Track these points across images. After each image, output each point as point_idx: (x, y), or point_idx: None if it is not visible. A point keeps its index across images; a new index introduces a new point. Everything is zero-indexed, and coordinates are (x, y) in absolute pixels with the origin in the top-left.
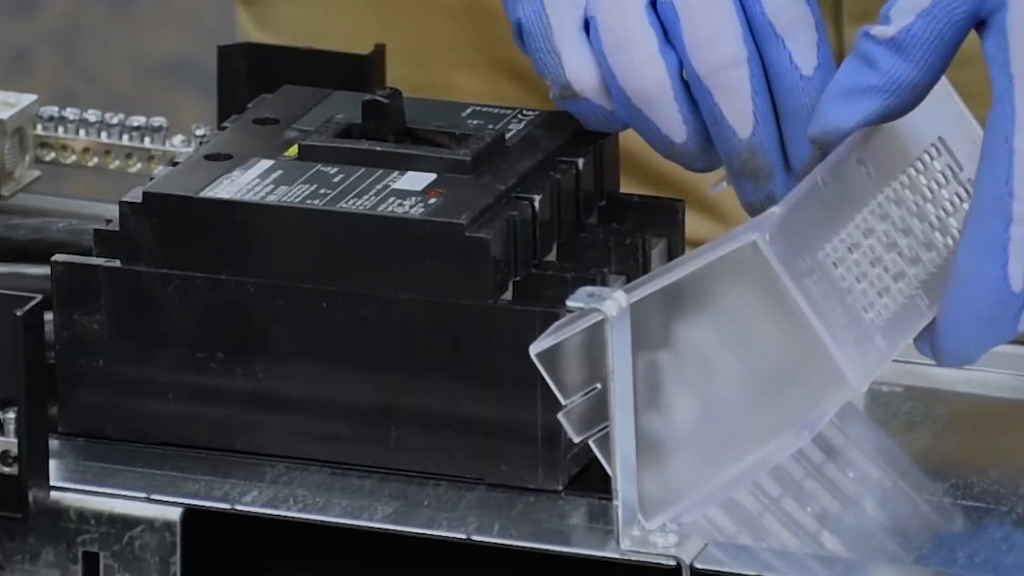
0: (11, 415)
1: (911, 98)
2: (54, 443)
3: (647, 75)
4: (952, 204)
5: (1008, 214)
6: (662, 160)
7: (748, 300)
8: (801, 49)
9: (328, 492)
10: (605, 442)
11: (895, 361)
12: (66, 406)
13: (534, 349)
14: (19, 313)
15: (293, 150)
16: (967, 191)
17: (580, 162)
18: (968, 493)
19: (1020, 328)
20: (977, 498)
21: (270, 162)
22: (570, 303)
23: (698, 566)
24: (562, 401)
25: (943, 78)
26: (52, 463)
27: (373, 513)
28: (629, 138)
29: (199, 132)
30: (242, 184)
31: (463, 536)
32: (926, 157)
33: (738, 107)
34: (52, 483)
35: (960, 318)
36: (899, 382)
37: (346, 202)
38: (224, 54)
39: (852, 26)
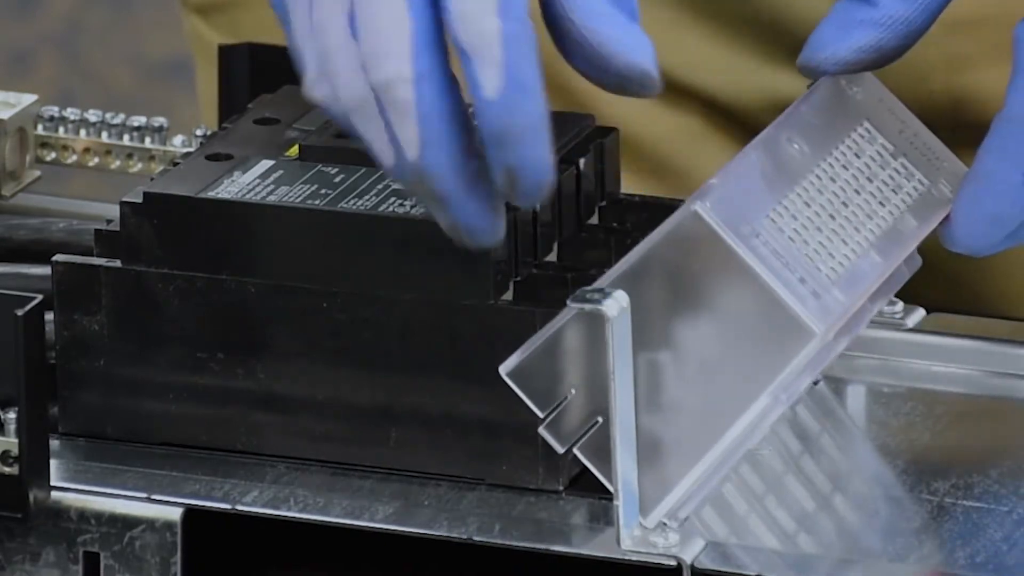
0: (11, 415)
1: (904, 36)
2: (54, 443)
3: (352, 90)
4: (889, 181)
5: None
6: (663, 151)
7: (703, 271)
8: (485, 68)
9: (329, 492)
10: (590, 449)
11: (895, 361)
12: (66, 406)
13: (504, 369)
14: (19, 313)
15: (294, 150)
16: (901, 170)
17: (581, 162)
18: (968, 493)
19: None
20: (977, 498)
21: (271, 162)
22: (570, 303)
23: (699, 566)
24: (540, 415)
25: (869, 73)
26: (53, 463)
27: (374, 513)
28: (630, 129)
29: (199, 132)
30: (243, 184)
31: (464, 536)
32: (856, 137)
33: (405, 126)
34: (53, 483)
35: (973, 213)
36: (899, 382)
37: (347, 202)
38: (224, 54)
39: None
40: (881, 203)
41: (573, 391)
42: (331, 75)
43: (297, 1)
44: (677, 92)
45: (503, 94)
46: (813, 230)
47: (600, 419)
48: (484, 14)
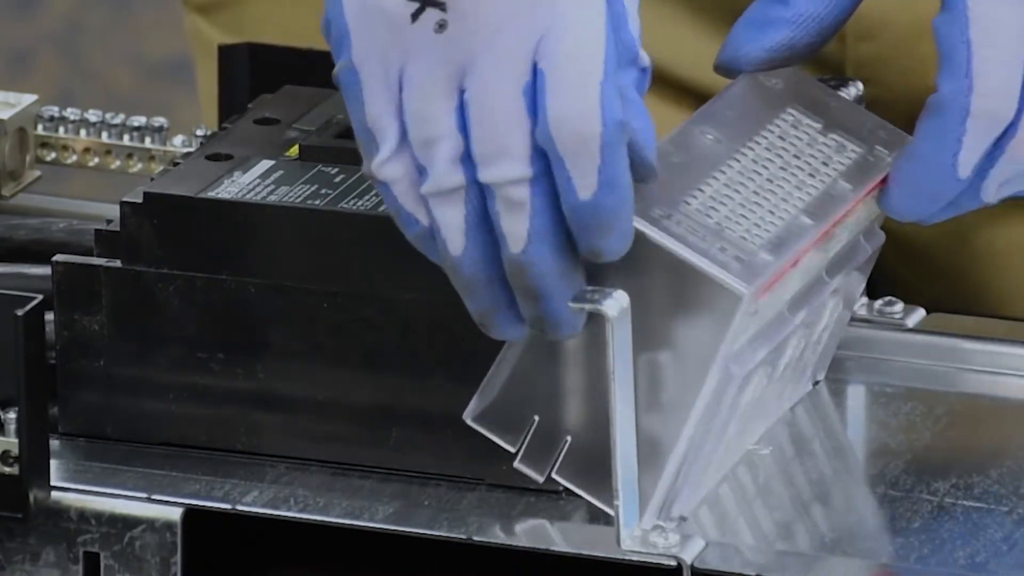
0: (11, 415)
1: (816, 33)
2: (55, 443)
3: (449, 179)
4: (818, 155)
5: (965, 107)
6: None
7: (625, 264)
8: (580, 172)
9: (329, 492)
10: (568, 471)
11: (895, 361)
12: (66, 406)
13: (467, 416)
14: (20, 313)
15: (294, 150)
16: (832, 143)
17: None
18: (968, 493)
19: (985, 199)
20: (977, 498)
21: (271, 162)
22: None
23: (699, 566)
24: (511, 450)
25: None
26: (53, 463)
27: (374, 513)
28: None
29: (199, 132)
30: (243, 184)
31: (464, 536)
32: (778, 122)
33: (515, 222)
34: (53, 483)
35: (908, 189)
36: (899, 382)
37: (347, 202)
38: (224, 54)
39: (858, 43)
40: (811, 175)
41: (536, 417)
42: (429, 161)
43: (374, 77)
44: (671, 86)
45: (595, 195)
46: (735, 206)
47: (569, 438)
48: (583, 118)
